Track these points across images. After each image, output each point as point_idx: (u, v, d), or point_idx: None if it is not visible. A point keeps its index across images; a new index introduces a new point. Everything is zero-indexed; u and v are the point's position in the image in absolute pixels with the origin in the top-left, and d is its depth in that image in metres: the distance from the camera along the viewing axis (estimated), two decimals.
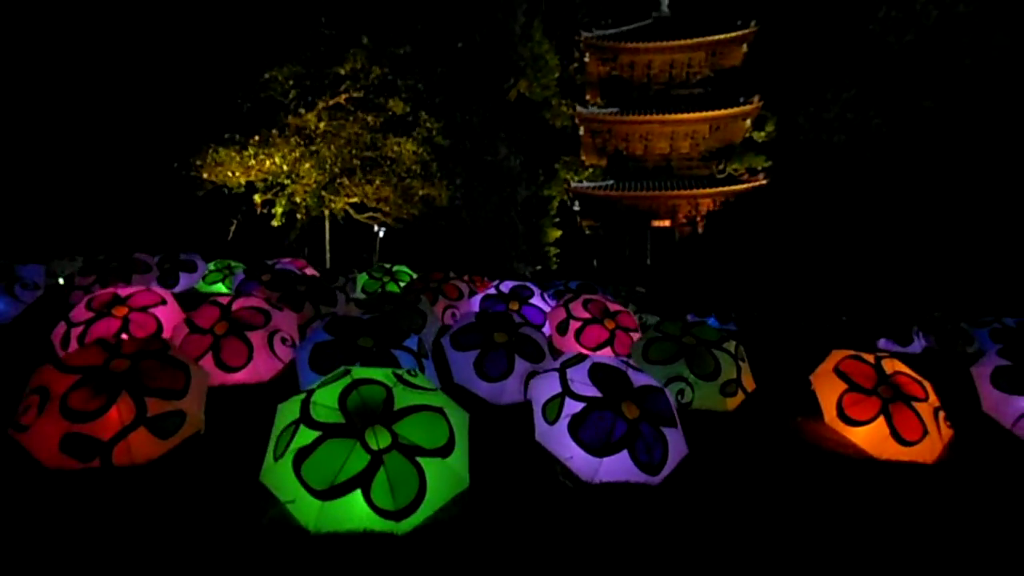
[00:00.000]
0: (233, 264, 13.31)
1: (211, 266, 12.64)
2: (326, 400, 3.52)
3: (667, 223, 40.33)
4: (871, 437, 5.08)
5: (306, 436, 3.34)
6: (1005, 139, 25.69)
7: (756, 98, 37.14)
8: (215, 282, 12.75)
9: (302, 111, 22.86)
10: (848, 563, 3.51)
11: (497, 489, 3.81)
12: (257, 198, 22.16)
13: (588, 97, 41.93)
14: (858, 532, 3.86)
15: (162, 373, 4.23)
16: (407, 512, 3.22)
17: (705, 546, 3.57)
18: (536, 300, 8.06)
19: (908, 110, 30.54)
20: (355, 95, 23.38)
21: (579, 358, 4.56)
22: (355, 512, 3.18)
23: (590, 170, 43.54)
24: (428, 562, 3.12)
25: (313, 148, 21.97)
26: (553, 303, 8.22)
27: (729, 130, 38.35)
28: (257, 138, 21.36)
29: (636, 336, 7.18)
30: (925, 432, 4.98)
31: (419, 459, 3.34)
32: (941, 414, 5.24)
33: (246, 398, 5.29)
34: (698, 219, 39.31)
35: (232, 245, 22.43)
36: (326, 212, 24.14)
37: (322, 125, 23.04)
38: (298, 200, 22.56)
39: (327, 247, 25.49)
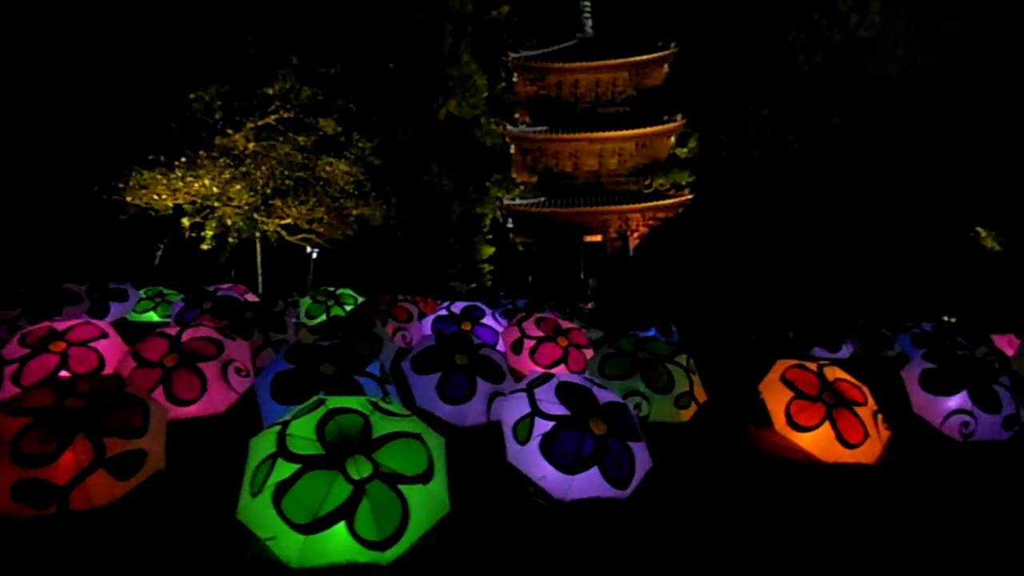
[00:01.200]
0: (165, 291, 12.85)
1: (142, 294, 12.15)
2: (303, 431, 3.48)
3: (599, 238, 41.17)
4: (818, 442, 5.37)
5: (285, 470, 3.29)
6: (909, 152, 27.57)
7: (679, 116, 38.54)
8: (147, 310, 12.26)
9: (230, 132, 22.30)
10: (809, 563, 3.71)
11: (473, 513, 3.84)
12: (185, 221, 21.40)
13: (517, 116, 42.49)
14: (814, 533, 4.09)
15: (119, 411, 4.07)
16: (391, 541, 3.21)
17: (677, 556, 3.70)
18: (488, 320, 8.12)
19: (818, 126, 32.43)
20: (285, 115, 23.02)
21: (545, 377, 4.65)
22: (339, 544, 3.15)
23: (521, 187, 44.04)
24: None
25: (243, 169, 21.41)
26: (504, 322, 8.31)
27: (654, 147, 39.63)
28: (184, 160, 20.67)
29: (588, 353, 7.34)
30: (866, 435, 5.31)
31: (401, 487, 3.34)
32: (879, 417, 5.59)
33: (202, 432, 5.14)
34: (628, 233, 40.30)
35: (159, 271, 21.53)
36: (257, 235, 23.52)
37: (251, 146, 22.55)
38: (229, 223, 21.90)
39: (259, 270, 24.82)
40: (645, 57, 39.84)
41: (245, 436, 5.05)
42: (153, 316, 12.18)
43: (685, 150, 42.28)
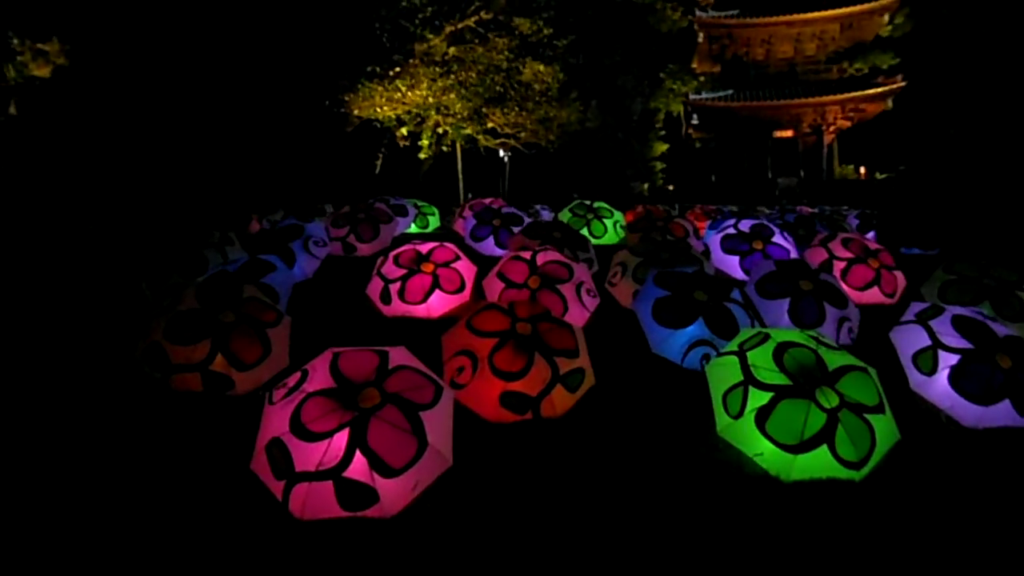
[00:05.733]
0: (419, 203, 13.95)
1: None
2: (762, 363, 3.92)
3: (789, 133, 38.37)
4: None
5: (760, 397, 3.77)
6: None
7: None
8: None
9: (429, 36, 22.81)
10: None
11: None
12: (403, 131, 22.68)
13: None
14: None
15: (557, 334, 4.74)
16: (864, 462, 3.64)
17: None
18: (778, 239, 8.17)
19: None
20: (485, 16, 23.10)
21: (936, 310, 4.78)
22: (821, 463, 3.61)
23: (701, 78, 41.66)
24: (889, 502, 3.55)
25: (454, 78, 22.05)
26: (790, 240, 8.33)
27: (862, 27, 35.41)
28: (398, 69, 21.65)
29: (899, 275, 7.27)
30: None
31: (866, 415, 3.72)
32: None
33: None
34: (824, 128, 37.24)
35: (378, 181, 23.23)
36: (463, 143, 24.46)
37: (452, 50, 23.00)
38: (441, 131, 22.94)
39: (460, 176, 25.98)
40: None
41: (616, 351, 5.68)
42: (414, 228, 13.36)
43: (889, 28, 37.65)
